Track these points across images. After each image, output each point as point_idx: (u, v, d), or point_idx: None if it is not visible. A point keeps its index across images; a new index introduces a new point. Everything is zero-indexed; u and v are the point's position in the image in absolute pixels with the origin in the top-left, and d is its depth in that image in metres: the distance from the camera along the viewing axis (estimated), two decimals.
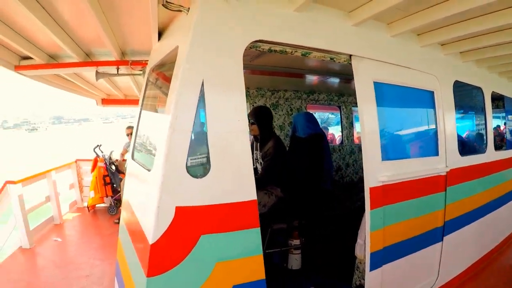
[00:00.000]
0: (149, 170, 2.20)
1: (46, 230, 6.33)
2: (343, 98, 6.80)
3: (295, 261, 3.87)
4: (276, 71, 4.77)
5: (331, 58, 2.65)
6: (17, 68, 4.65)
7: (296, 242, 3.84)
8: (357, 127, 7.23)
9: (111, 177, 7.25)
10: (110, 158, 7.39)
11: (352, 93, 6.69)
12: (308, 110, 6.22)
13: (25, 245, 5.47)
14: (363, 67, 2.75)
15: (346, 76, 5.09)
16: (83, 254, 5.14)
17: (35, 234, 5.85)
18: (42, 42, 4.07)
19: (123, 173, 7.37)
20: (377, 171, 2.74)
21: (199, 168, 2.02)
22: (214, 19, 2.08)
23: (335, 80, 5.54)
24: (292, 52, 2.45)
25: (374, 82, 2.80)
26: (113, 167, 7.31)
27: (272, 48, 2.35)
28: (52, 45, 4.17)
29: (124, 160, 7.69)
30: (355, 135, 7.43)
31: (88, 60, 4.52)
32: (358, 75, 2.74)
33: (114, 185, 7.27)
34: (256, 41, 2.20)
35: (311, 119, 4.55)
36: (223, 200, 2.05)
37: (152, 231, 1.89)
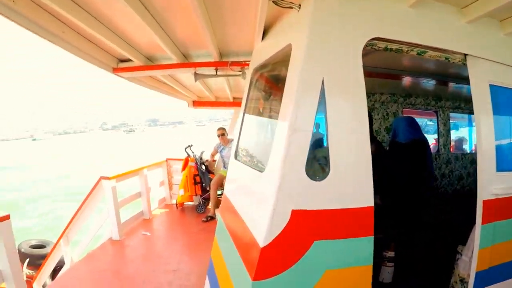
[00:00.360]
0: (261, 171, 2.14)
1: (135, 224, 6.59)
2: (441, 102, 6.40)
3: (387, 274, 3.59)
4: (373, 72, 4.54)
5: (446, 58, 2.45)
6: (115, 70, 4.84)
7: (391, 254, 3.62)
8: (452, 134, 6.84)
9: (201, 176, 7.36)
10: (201, 158, 7.51)
11: (450, 97, 6.33)
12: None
13: (115, 237, 5.74)
14: (479, 68, 2.50)
15: (444, 77, 4.82)
16: (171, 249, 5.25)
17: (125, 227, 6.11)
18: (141, 44, 4.21)
19: (213, 173, 7.51)
20: (491, 183, 2.50)
21: (318, 170, 1.91)
22: (330, 15, 1.97)
23: (431, 82, 5.20)
24: (407, 50, 2.28)
25: (490, 84, 2.56)
26: (203, 167, 7.41)
27: (388, 47, 2.19)
28: (150, 47, 4.31)
29: (214, 161, 7.85)
30: (452, 143, 6.97)
31: (186, 62, 4.60)
32: (474, 77, 2.48)
33: (204, 184, 7.36)
34: (373, 38, 2.08)
35: (412, 124, 4.30)
36: (340, 205, 1.92)
37: (265, 234, 1.82)
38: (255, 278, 1.84)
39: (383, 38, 2.12)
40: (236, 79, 5.98)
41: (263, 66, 3.00)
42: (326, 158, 1.88)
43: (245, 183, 2.61)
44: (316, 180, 1.87)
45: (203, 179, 7.36)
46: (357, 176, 1.97)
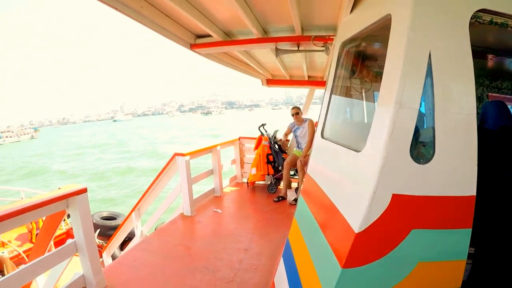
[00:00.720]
0: (357, 151, 1.97)
1: (206, 201, 6.69)
2: None
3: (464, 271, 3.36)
4: None
5: None
6: (193, 46, 4.81)
7: (471, 250, 3.33)
8: None
9: (274, 156, 7.29)
10: (274, 137, 7.42)
11: None
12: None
13: (187, 212, 5.84)
14: None
15: None
16: (242, 228, 5.24)
17: (196, 203, 6.22)
18: (220, 18, 4.13)
19: (285, 153, 7.42)
20: None
21: (423, 152, 1.73)
22: None
23: None
24: None
25: None
26: (276, 146, 7.33)
27: (494, 20, 1.94)
28: (229, 21, 4.23)
29: (288, 140, 7.75)
30: None
31: (265, 37, 4.47)
32: None
33: (276, 164, 7.28)
34: (480, 10, 1.84)
35: (504, 109, 3.94)
36: (441, 191, 1.71)
37: (361, 219, 1.66)
38: (345, 266, 1.71)
39: (490, 10, 1.87)
40: (312, 57, 5.83)
41: (353, 40, 2.80)
42: (431, 139, 1.68)
43: (336, 163, 2.44)
44: (420, 163, 1.68)
45: (276, 159, 7.29)
46: (462, 161, 1.75)
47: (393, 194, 1.66)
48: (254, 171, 7.28)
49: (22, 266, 2.93)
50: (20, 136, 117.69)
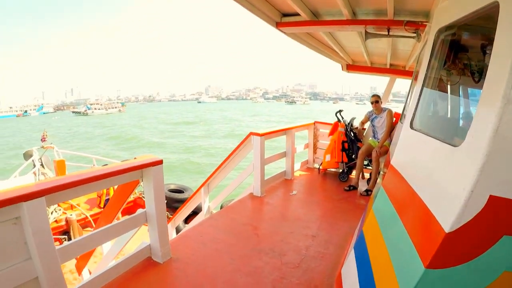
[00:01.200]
0: (454, 145, 1.82)
1: (276, 183, 6.67)
2: None
3: None
4: None
5: None
6: (278, 25, 4.74)
7: None
8: None
9: (349, 143, 7.11)
10: (351, 125, 7.23)
11: None
12: None
13: (257, 192, 5.87)
14: None
15: None
16: (311, 214, 5.17)
17: (266, 184, 6.20)
18: None
19: (360, 142, 7.22)
20: None
21: None
22: None
23: None
24: None
25: None
26: (352, 134, 7.15)
27: None
28: (318, 1, 4.09)
29: (364, 129, 7.52)
30: None
31: (355, 19, 4.32)
32: None
33: (350, 152, 7.11)
34: None
35: None
36: None
37: (453, 219, 1.53)
38: (429, 266, 1.60)
39: None
40: (396, 43, 5.60)
41: (450, 28, 2.60)
42: None
43: (427, 157, 2.29)
44: None
45: (351, 147, 7.11)
46: None
47: (490, 196, 1.51)
48: (328, 157, 7.14)
49: (95, 231, 3.02)
50: (108, 109, 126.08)
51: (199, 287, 3.11)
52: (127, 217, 3.34)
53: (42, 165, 11.59)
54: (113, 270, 3.20)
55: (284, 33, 4.99)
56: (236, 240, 4.18)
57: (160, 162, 3.33)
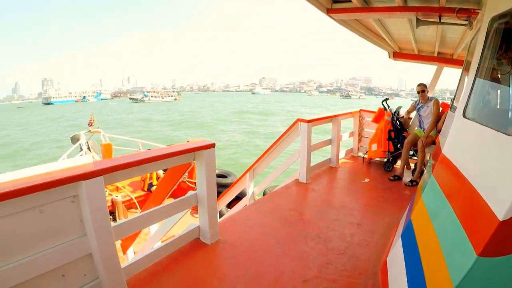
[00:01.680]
0: (509, 135, 1.81)
1: (321, 171, 6.71)
2: None
3: None
4: None
5: None
6: (329, 11, 4.72)
7: None
8: None
9: (395, 133, 7.03)
10: (397, 114, 7.15)
11: None
12: None
13: (302, 179, 5.93)
14: None
15: None
16: (355, 202, 5.21)
17: (312, 171, 6.22)
18: None
19: (406, 131, 7.13)
20: None
21: None
22: None
23: None
24: None
25: None
26: (398, 123, 7.06)
27: None
28: None
29: (410, 118, 7.41)
30: None
31: (406, 6, 4.26)
32: None
33: (396, 141, 7.03)
34: None
35: None
36: None
37: (508, 207, 1.54)
38: (482, 254, 1.61)
39: None
40: (445, 31, 5.51)
41: (504, 16, 2.54)
42: None
43: (481, 146, 2.28)
44: None
45: (397, 136, 7.02)
46: None
47: None
48: (375, 147, 7.10)
49: (149, 210, 3.14)
50: (164, 97, 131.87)
51: (246, 269, 3.20)
52: (178, 198, 3.45)
53: (89, 148, 12.01)
54: (162, 249, 3.32)
55: (334, 19, 4.98)
56: (282, 225, 4.26)
57: (212, 146, 3.42)
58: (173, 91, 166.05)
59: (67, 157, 10.85)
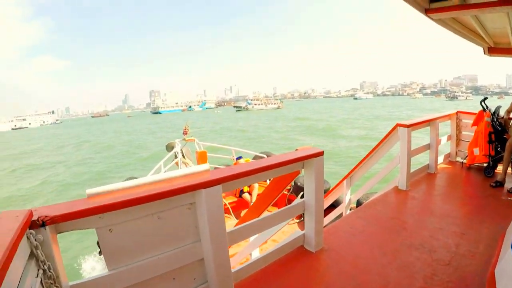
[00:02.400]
0: None
1: (420, 177, 6.60)
2: None
3: None
4: None
5: None
6: (428, 11, 4.64)
7: None
8: None
9: (496, 135, 6.70)
10: (497, 114, 6.82)
11: None
12: None
13: (402, 186, 5.88)
14: None
15: None
16: (457, 210, 5.07)
17: (411, 178, 6.13)
18: None
19: (507, 133, 6.77)
20: None
21: None
22: None
23: None
24: None
25: None
26: (498, 124, 6.72)
27: None
28: None
29: (510, 119, 7.03)
30: None
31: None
32: None
33: (497, 144, 6.71)
34: None
35: None
36: None
37: None
38: None
39: None
40: None
41: None
42: None
43: None
44: None
45: (498, 139, 6.70)
46: None
47: None
48: (477, 151, 6.81)
49: (260, 217, 3.28)
50: (267, 105, 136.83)
51: (352, 278, 3.24)
52: (286, 206, 3.59)
53: (183, 156, 12.62)
54: (269, 255, 3.46)
55: (432, 19, 4.88)
56: (385, 233, 4.28)
57: (321, 154, 3.50)
58: (276, 99, 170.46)
59: (163, 164, 11.56)
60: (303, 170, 3.54)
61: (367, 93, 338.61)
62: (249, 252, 4.35)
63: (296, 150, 3.65)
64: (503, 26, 5.72)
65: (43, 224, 1.81)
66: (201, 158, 11.82)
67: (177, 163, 12.48)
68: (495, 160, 6.76)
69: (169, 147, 13.84)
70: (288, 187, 8.06)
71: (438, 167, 7.24)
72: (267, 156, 12.91)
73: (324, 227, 3.90)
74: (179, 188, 2.28)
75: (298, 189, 9.89)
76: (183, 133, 13.51)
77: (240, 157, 10.95)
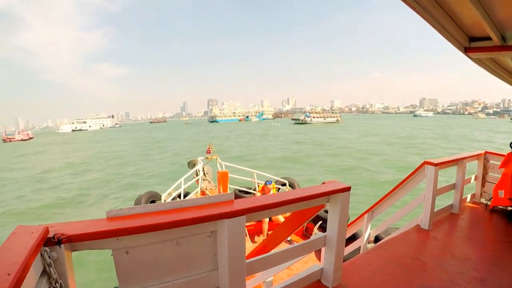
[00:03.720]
0: None
1: (442, 217, 6.51)
2: None
3: None
4: None
5: None
6: (467, 50, 4.61)
7: None
8: None
9: None
10: None
11: None
12: None
13: (424, 225, 5.79)
14: None
15: None
16: (479, 254, 4.97)
17: (434, 217, 6.04)
18: (501, 18, 3.83)
19: None
20: None
21: None
22: None
23: None
24: None
25: None
26: None
27: None
28: (510, 22, 3.93)
29: None
30: None
31: None
32: None
33: None
34: None
35: None
36: None
37: None
38: None
39: None
40: None
41: None
42: None
43: None
44: None
45: None
46: None
47: None
48: (502, 194, 6.63)
49: (279, 250, 3.28)
50: (326, 119, 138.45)
51: None
52: (307, 240, 3.59)
53: (204, 174, 12.70)
54: None
55: (471, 58, 4.85)
56: (404, 273, 4.23)
57: (348, 189, 3.44)
58: (333, 112, 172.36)
59: (183, 181, 11.73)
60: (328, 204, 3.49)
61: (427, 110, 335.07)
62: (262, 280, 4.27)
63: (323, 183, 3.59)
64: None
65: (59, 242, 1.79)
66: (223, 178, 11.84)
67: (197, 181, 12.60)
68: None
69: (191, 164, 14.01)
70: None
71: (461, 207, 7.09)
72: (289, 182, 12.91)
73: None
74: (202, 217, 2.28)
75: (317, 218, 9.84)
76: (207, 151, 13.58)
77: (269, 182, 10.72)
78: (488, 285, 4.02)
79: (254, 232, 9.82)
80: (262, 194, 10.22)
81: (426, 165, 5.70)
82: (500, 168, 6.93)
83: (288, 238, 9.22)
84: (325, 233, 3.60)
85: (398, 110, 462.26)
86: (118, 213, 2.16)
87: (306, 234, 10.24)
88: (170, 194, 11.67)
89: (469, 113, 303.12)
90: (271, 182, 10.96)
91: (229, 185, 12.23)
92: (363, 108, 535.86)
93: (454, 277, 4.16)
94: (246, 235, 9.31)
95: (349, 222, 7.39)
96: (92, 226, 1.98)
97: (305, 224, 10.00)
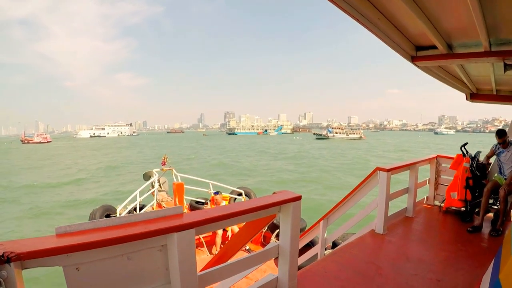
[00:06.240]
0: None
1: (397, 220, 6.66)
2: None
3: None
4: None
5: None
6: (414, 59, 4.80)
7: None
8: None
9: (474, 180, 6.84)
10: (477, 160, 7.01)
11: None
12: None
13: (379, 230, 5.90)
14: None
15: None
16: (434, 256, 5.09)
17: (388, 221, 6.15)
18: (446, 29, 4.02)
19: (486, 178, 6.94)
20: None
21: None
22: None
23: None
24: None
25: None
26: (476, 170, 6.89)
27: None
28: (455, 32, 4.13)
29: (489, 163, 7.19)
30: None
31: (491, 50, 4.24)
32: None
33: (475, 189, 6.84)
34: None
35: None
36: None
37: None
38: None
39: None
40: None
41: None
42: None
43: None
44: None
45: (476, 184, 6.84)
46: None
47: None
48: (454, 195, 6.91)
49: (232, 260, 3.26)
50: (349, 135, 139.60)
51: None
52: (261, 250, 3.55)
53: (160, 185, 12.66)
54: None
55: (418, 67, 5.08)
56: (360, 278, 4.26)
57: (298, 198, 3.47)
58: (355, 128, 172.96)
59: (139, 193, 11.63)
60: (279, 213, 3.53)
61: (448, 128, 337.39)
62: None
63: (274, 193, 3.66)
64: (487, 74, 5.91)
65: (8, 260, 1.80)
66: (178, 189, 11.86)
67: (153, 193, 12.54)
68: (473, 205, 6.86)
69: (146, 176, 13.90)
70: None
71: (416, 210, 7.29)
72: (245, 192, 12.95)
73: (298, 268, 3.88)
74: (151, 231, 2.26)
75: (274, 227, 9.98)
76: (162, 163, 13.54)
77: (217, 192, 10.77)
78: (444, 285, 4.12)
79: (212, 243, 9.76)
80: (213, 204, 10.35)
81: (378, 171, 5.82)
82: (450, 168, 7.20)
83: (247, 247, 9.29)
84: (278, 243, 3.61)
85: (417, 127, 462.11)
86: (66, 230, 2.13)
87: (264, 243, 10.32)
88: (125, 207, 11.58)
89: (490, 131, 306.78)
90: (219, 192, 10.95)
91: (185, 197, 12.29)
92: (380, 124, 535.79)
93: (410, 280, 4.23)
94: (204, 246, 9.39)
95: (306, 229, 7.53)
96: (41, 243, 1.96)
97: (263, 232, 10.19)
